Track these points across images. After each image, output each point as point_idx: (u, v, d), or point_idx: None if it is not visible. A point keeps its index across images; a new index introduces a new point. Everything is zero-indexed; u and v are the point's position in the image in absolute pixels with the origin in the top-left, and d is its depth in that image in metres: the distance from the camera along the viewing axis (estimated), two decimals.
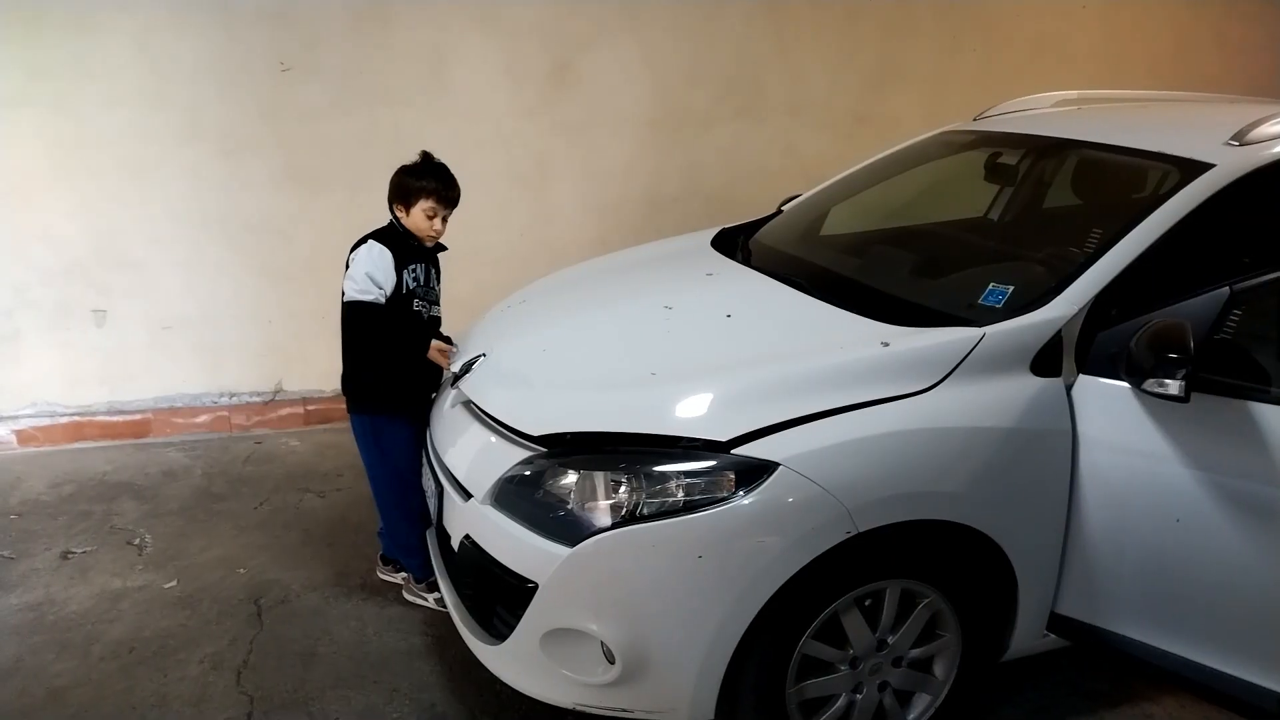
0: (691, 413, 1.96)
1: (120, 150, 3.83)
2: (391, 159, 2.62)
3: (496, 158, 4.26)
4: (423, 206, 2.57)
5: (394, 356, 2.59)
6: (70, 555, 3.12)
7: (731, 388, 2.01)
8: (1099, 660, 2.56)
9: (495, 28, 4.13)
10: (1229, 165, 2.16)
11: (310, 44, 3.92)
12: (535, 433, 2.07)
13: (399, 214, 2.61)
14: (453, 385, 2.54)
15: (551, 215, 4.40)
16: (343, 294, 2.53)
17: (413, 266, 2.59)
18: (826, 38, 4.57)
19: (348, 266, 2.55)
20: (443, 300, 2.75)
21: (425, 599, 2.79)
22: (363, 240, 2.57)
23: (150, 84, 3.79)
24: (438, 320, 2.73)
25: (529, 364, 2.42)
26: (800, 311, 2.36)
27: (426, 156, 2.63)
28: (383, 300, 2.50)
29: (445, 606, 2.48)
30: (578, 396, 2.17)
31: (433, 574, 2.62)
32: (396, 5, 3.98)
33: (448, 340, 2.69)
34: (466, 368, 2.49)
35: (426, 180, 2.58)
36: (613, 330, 2.50)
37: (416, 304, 2.62)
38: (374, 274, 2.49)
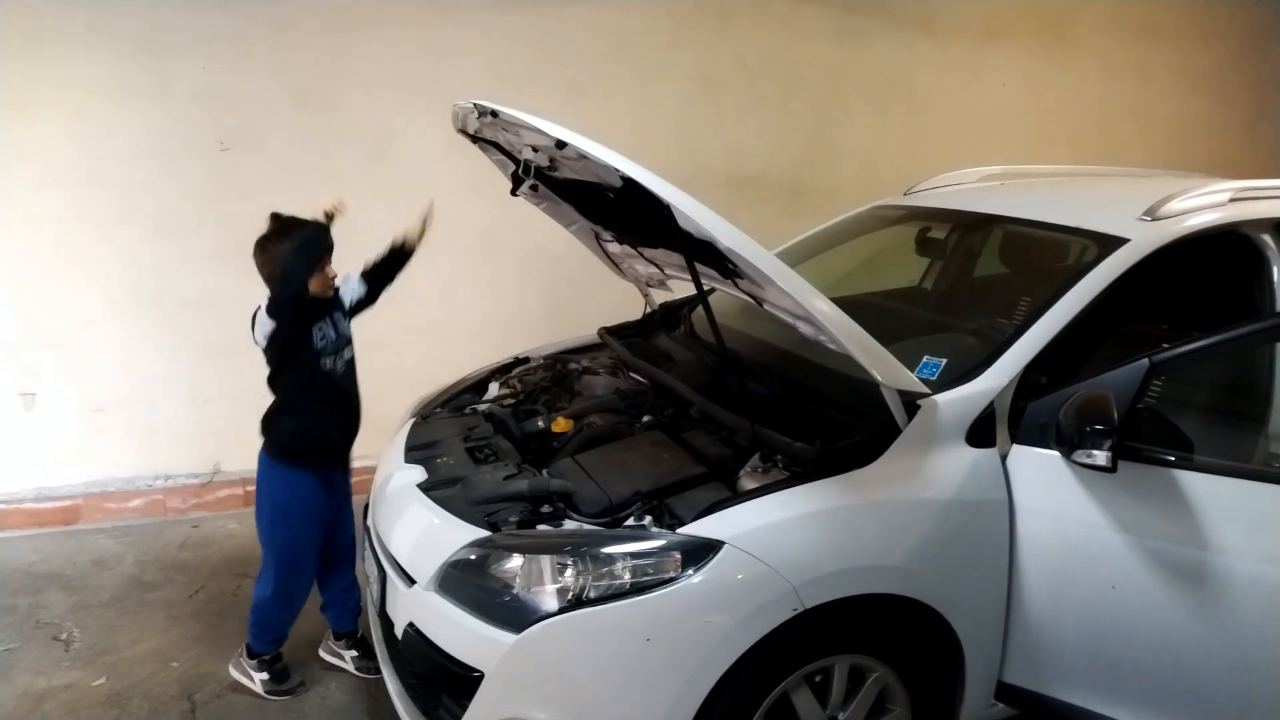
0: None
1: (55, 231, 3.77)
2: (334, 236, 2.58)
3: (439, 233, 4.23)
4: (323, 266, 2.47)
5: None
6: None
7: None
8: None
9: (438, 106, 4.16)
10: (1142, 240, 2.27)
11: (251, 123, 3.93)
12: None
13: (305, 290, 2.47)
14: None
15: (495, 288, 4.42)
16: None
17: (318, 325, 2.52)
18: (763, 114, 4.72)
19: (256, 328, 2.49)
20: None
21: (253, 679, 2.69)
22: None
23: (86, 164, 3.75)
24: (351, 363, 2.64)
25: None
26: None
27: (277, 217, 2.47)
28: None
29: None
30: None
31: (273, 651, 2.69)
32: (339, 85, 4.02)
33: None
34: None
35: (321, 237, 2.44)
36: None
37: (325, 362, 2.55)
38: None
